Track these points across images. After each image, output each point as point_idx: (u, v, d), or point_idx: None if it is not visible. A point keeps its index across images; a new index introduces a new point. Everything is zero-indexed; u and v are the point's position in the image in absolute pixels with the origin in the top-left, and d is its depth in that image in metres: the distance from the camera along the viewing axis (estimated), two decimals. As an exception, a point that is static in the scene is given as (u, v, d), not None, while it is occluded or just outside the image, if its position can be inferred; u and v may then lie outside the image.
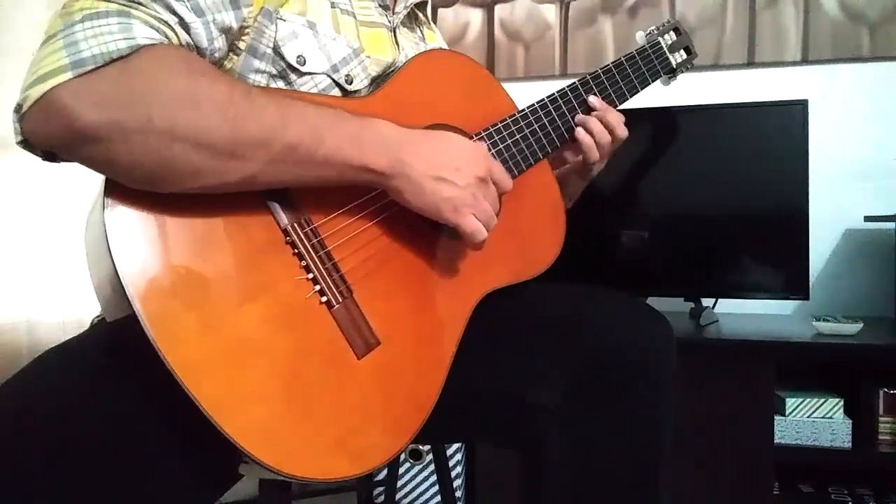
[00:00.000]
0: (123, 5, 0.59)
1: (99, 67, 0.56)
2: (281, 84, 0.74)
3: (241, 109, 0.60)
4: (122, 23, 0.58)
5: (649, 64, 1.00)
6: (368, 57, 0.79)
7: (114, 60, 0.56)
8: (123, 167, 0.58)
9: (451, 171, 0.70)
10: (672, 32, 1.05)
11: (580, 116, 0.91)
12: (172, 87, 0.58)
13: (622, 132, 0.92)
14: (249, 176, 0.61)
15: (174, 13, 0.62)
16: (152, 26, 0.60)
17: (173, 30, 0.62)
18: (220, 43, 0.68)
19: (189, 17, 0.63)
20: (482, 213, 0.72)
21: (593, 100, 0.91)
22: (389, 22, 0.85)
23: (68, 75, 0.55)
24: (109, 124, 0.55)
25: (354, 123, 0.67)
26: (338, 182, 0.67)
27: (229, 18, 0.68)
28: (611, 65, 0.96)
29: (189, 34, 0.64)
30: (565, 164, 0.96)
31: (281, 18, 0.72)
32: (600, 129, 0.90)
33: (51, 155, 0.60)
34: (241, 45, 0.71)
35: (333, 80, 0.76)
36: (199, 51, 0.66)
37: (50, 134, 0.57)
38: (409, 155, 0.68)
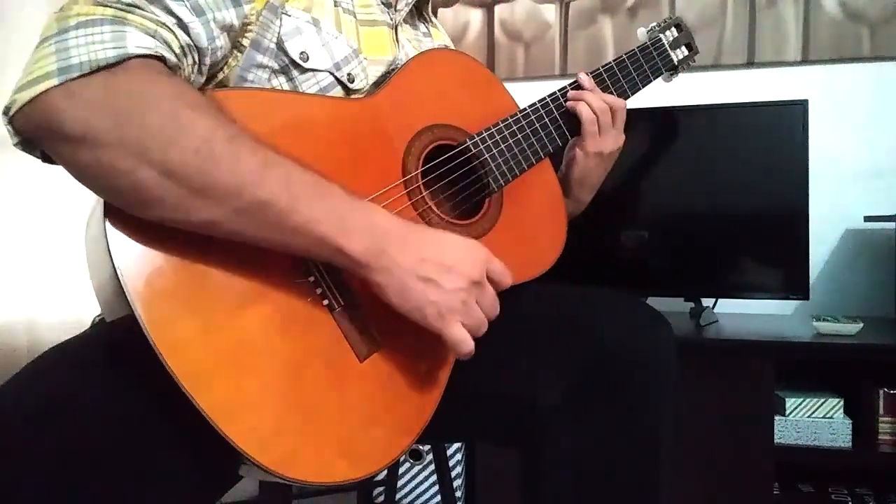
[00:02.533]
0: (119, 10, 0.59)
1: (84, 75, 0.56)
2: (282, 79, 0.74)
3: (218, 150, 0.57)
4: (115, 31, 0.57)
5: (651, 61, 1.00)
6: (367, 58, 0.79)
7: (101, 68, 0.56)
8: (90, 176, 0.58)
9: (440, 272, 0.64)
10: (674, 29, 1.05)
11: (571, 93, 0.91)
12: (153, 108, 0.57)
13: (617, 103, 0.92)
14: (212, 220, 0.59)
15: (172, 14, 0.62)
16: (148, 31, 0.59)
17: (172, 31, 0.62)
18: (221, 42, 0.68)
19: (187, 17, 0.63)
20: (472, 321, 0.66)
21: (582, 77, 0.92)
22: (391, 19, 0.85)
23: (54, 81, 0.55)
24: (84, 125, 0.55)
25: (345, 203, 0.62)
26: (311, 255, 0.63)
27: (230, 16, 0.67)
28: (612, 62, 0.96)
29: (188, 34, 0.63)
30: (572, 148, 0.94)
31: (286, 13, 0.72)
32: (594, 98, 0.90)
33: (49, 157, 0.60)
34: (245, 41, 0.71)
35: (336, 78, 0.76)
36: (199, 51, 0.65)
37: (35, 137, 0.58)
38: (395, 248, 0.63)
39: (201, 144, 0.57)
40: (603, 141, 0.91)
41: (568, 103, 0.90)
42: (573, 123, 0.91)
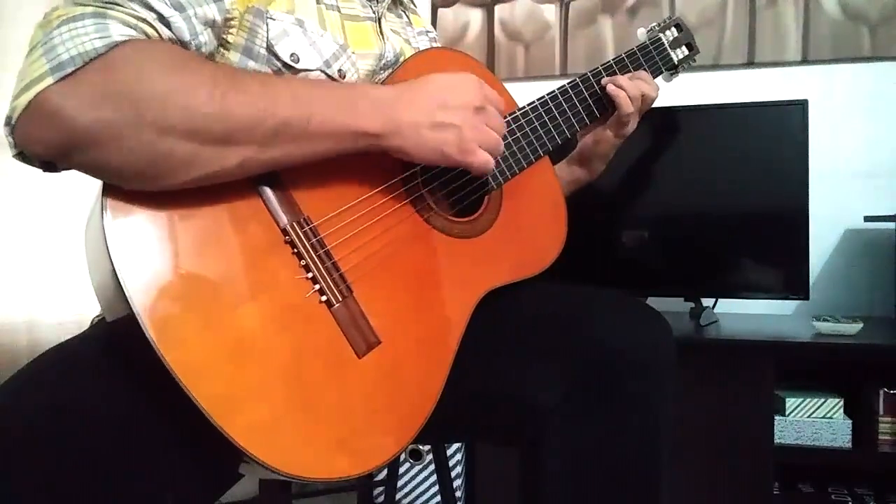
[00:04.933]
0: (99, 7, 0.59)
1: (79, 69, 0.55)
2: None
3: (228, 93, 0.60)
4: (97, 23, 0.58)
5: (650, 60, 1.00)
6: (354, 52, 0.79)
7: (92, 60, 0.56)
8: (118, 167, 0.57)
9: (446, 113, 0.69)
10: (674, 29, 1.05)
11: (607, 78, 0.94)
12: (157, 78, 0.58)
13: (651, 90, 0.96)
14: (245, 159, 0.61)
15: (152, 9, 0.62)
16: (129, 25, 0.60)
17: (153, 26, 0.62)
18: (205, 37, 0.67)
19: (168, 11, 0.63)
20: (488, 142, 0.72)
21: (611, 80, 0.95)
22: (374, 12, 0.85)
23: (49, 80, 0.55)
24: (100, 123, 0.55)
25: (343, 90, 0.67)
26: (337, 152, 0.67)
27: (212, 11, 0.67)
28: (612, 61, 0.96)
29: (170, 29, 0.63)
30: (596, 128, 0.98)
31: (271, 17, 0.72)
32: (630, 84, 0.93)
33: (50, 165, 0.60)
34: (230, 38, 0.71)
35: (328, 76, 0.76)
36: (182, 45, 0.65)
37: (43, 141, 0.57)
38: (402, 110, 0.68)
39: (211, 92, 0.59)
40: (632, 123, 0.97)
41: (609, 88, 0.93)
42: (575, 121, 0.91)
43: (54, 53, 0.56)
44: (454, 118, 0.69)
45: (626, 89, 0.93)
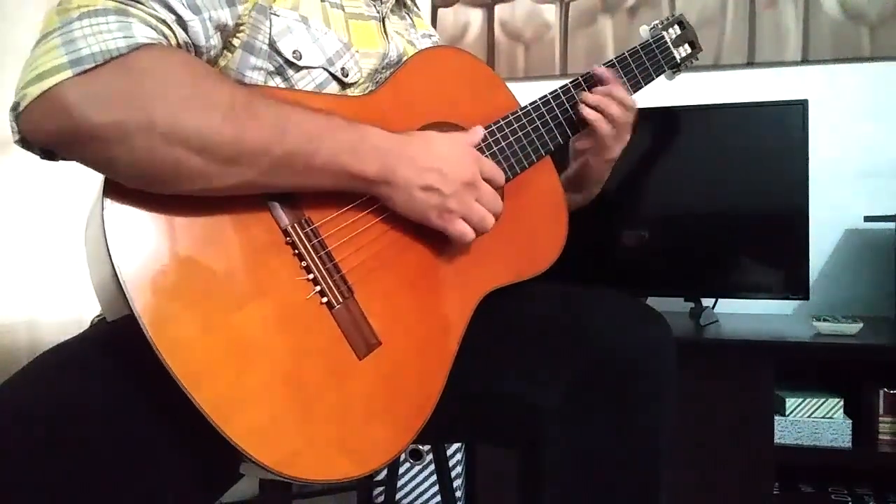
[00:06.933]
0: (121, 3, 0.59)
1: (98, 66, 0.55)
2: (279, 80, 0.74)
3: (242, 116, 0.60)
4: (120, 21, 0.57)
5: (653, 58, 1.00)
6: (358, 51, 0.79)
7: (113, 59, 0.56)
8: (123, 167, 0.57)
9: (437, 179, 0.71)
10: (676, 27, 1.05)
11: (583, 94, 0.90)
12: (176, 89, 0.58)
13: (630, 101, 0.91)
14: (247, 181, 0.62)
15: (172, 11, 0.62)
16: (150, 25, 0.59)
17: (171, 28, 0.62)
18: (215, 41, 0.68)
19: (186, 14, 0.63)
20: (473, 216, 0.73)
21: (601, 70, 0.91)
22: (378, 12, 0.85)
23: (68, 73, 0.54)
24: (112, 124, 0.55)
25: (350, 131, 0.67)
26: (331, 188, 0.68)
27: (225, 16, 0.67)
28: (614, 59, 0.96)
29: (187, 32, 0.63)
30: (584, 152, 0.95)
31: (275, 14, 0.72)
32: (605, 100, 0.89)
33: (49, 154, 0.60)
34: (236, 42, 0.71)
35: (330, 74, 0.76)
36: (196, 49, 0.65)
37: (49, 133, 0.56)
38: (398, 163, 0.69)
39: (226, 112, 0.59)
40: (618, 148, 0.93)
41: (588, 115, 0.89)
42: (576, 121, 0.91)
43: (74, 46, 0.55)
44: (443, 186, 0.71)
45: (611, 114, 0.89)
